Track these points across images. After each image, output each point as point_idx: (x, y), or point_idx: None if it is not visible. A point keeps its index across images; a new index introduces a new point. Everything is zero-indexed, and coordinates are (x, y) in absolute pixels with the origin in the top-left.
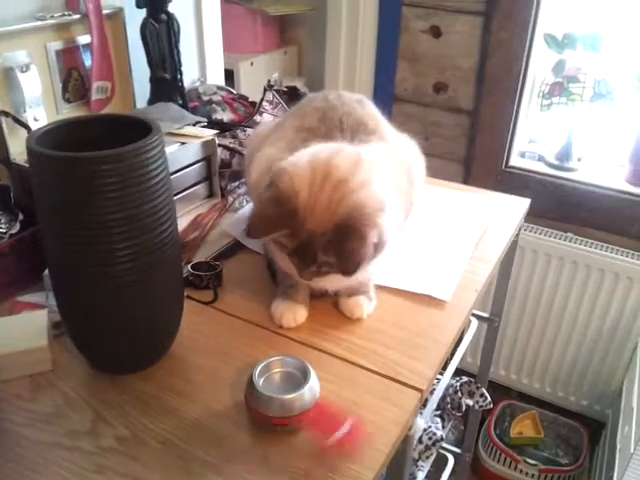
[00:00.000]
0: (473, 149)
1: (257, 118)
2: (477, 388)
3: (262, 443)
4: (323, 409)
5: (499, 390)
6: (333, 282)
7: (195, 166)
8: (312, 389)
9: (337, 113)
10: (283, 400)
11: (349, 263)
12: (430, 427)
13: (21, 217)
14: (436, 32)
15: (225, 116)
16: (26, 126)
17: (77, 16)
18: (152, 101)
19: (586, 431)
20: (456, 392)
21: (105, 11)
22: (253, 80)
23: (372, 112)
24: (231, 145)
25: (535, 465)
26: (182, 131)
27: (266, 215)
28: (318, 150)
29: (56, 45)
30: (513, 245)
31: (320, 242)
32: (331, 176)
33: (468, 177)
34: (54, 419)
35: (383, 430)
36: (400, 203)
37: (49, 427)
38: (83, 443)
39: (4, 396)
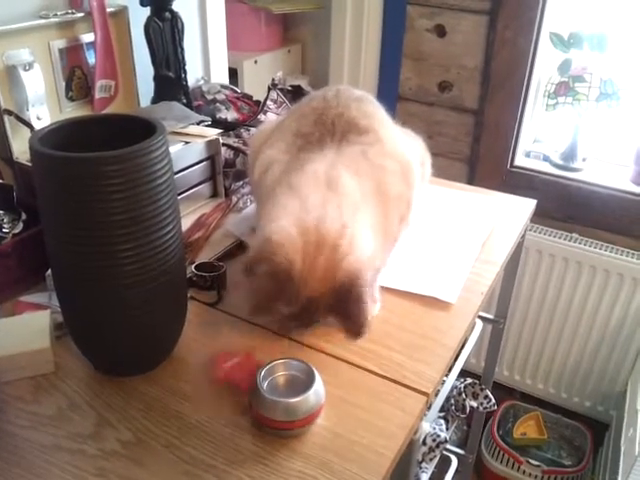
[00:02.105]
0: (478, 148)
1: (261, 117)
2: (481, 390)
3: (267, 447)
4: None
5: (502, 391)
6: None
7: (199, 165)
8: (317, 393)
9: (331, 114)
10: (288, 404)
11: (357, 325)
12: (434, 429)
13: (24, 217)
14: (441, 31)
15: (229, 115)
16: (29, 125)
17: (81, 14)
18: (156, 100)
19: (590, 432)
20: (460, 394)
21: (109, 9)
22: (257, 79)
23: (369, 110)
24: (235, 144)
25: (538, 466)
26: (186, 130)
27: (267, 291)
28: (299, 213)
29: (59, 43)
30: (519, 246)
31: (320, 304)
32: (322, 245)
33: (473, 176)
34: (56, 422)
35: (388, 434)
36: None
37: (51, 430)
38: (86, 446)
39: (6, 398)
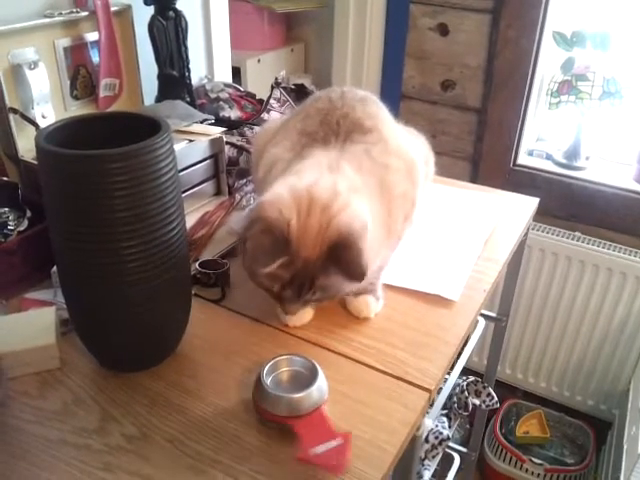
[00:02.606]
0: (481, 147)
1: (264, 116)
2: (484, 387)
3: (270, 442)
4: (320, 417)
5: (505, 389)
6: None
7: (203, 164)
8: (320, 388)
9: (336, 114)
10: (291, 399)
11: (355, 269)
12: (436, 426)
13: (29, 214)
14: (444, 30)
15: (232, 114)
16: (34, 123)
17: (85, 13)
18: (159, 98)
19: (592, 431)
20: (463, 391)
21: (113, 8)
22: (260, 77)
23: (372, 111)
24: (238, 143)
25: (541, 465)
26: (190, 129)
27: (262, 248)
28: (294, 182)
29: (64, 42)
30: (521, 245)
31: (317, 267)
32: (315, 203)
33: (476, 175)
34: (62, 417)
35: (391, 430)
36: (382, 227)
37: (57, 425)
38: (91, 441)
39: (12, 394)
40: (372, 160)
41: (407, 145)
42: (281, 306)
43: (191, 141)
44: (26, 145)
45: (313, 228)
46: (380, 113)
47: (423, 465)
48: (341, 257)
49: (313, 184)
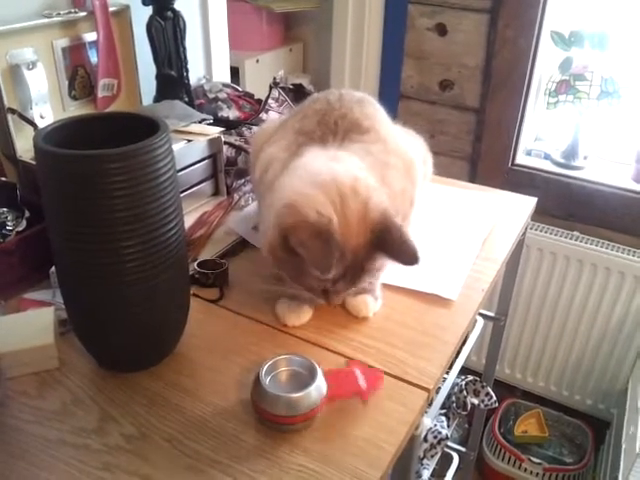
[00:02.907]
0: (479, 147)
1: (263, 116)
2: (482, 387)
3: (269, 442)
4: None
5: (504, 389)
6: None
7: (201, 164)
8: (319, 388)
9: (334, 115)
10: (290, 399)
11: (408, 252)
12: (435, 426)
13: (27, 214)
14: (442, 30)
15: (231, 114)
16: (32, 123)
17: (83, 13)
18: (158, 98)
19: (591, 430)
20: (461, 391)
21: (111, 8)
22: (258, 77)
23: (370, 112)
24: (237, 143)
25: (539, 464)
26: (188, 129)
27: (317, 254)
28: (312, 176)
29: (62, 42)
30: (519, 244)
31: (364, 254)
32: (344, 193)
33: (474, 175)
34: (61, 417)
35: (390, 430)
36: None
37: (56, 425)
38: (90, 441)
39: (11, 393)
40: (372, 158)
41: (405, 145)
42: (325, 298)
43: (189, 141)
44: (24, 145)
45: (353, 218)
46: (377, 114)
47: (422, 464)
48: (387, 240)
49: (332, 174)
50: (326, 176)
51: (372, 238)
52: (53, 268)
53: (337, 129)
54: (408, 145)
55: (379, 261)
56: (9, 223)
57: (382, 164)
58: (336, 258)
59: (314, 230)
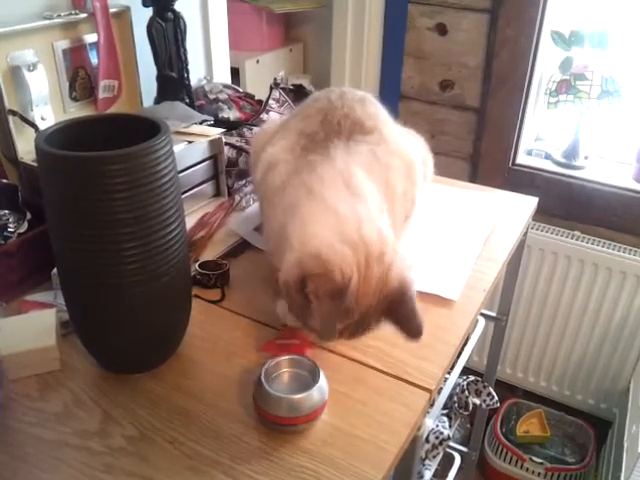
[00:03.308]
0: (480, 147)
1: (264, 116)
2: (484, 387)
3: (271, 443)
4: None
5: (505, 388)
6: None
7: (202, 165)
8: (321, 389)
9: (336, 115)
10: (292, 400)
11: (416, 325)
12: (437, 426)
13: (29, 216)
14: (442, 30)
15: (231, 114)
16: (33, 125)
17: (84, 15)
18: (159, 99)
19: (593, 430)
20: (463, 391)
21: (112, 10)
22: (259, 78)
23: (372, 111)
24: (238, 144)
25: (541, 464)
26: (189, 130)
27: (333, 311)
28: (337, 218)
29: (63, 44)
30: (521, 244)
31: (373, 316)
32: (371, 255)
33: (475, 175)
34: (63, 419)
35: (392, 430)
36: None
37: (58, 426)
38: (92, 443)
39: (13, 395)
40: (378, 161)
41: (406, 145)
42: (320, 338)
43: (190, 142)
44: (25, 147)
45: (372, 280)
46: (379, 113)
47: (424, 465)
48: (398, 310)
49: (359, 229)
50: (354, 231)
51: (385, 304)
52: (55, 270)
53: (340, 129)
54: (409, 146)
55: (383, 324)
56: (10, 225)
57: (386, 167)
58: (343, 322)
59: (333, 289)
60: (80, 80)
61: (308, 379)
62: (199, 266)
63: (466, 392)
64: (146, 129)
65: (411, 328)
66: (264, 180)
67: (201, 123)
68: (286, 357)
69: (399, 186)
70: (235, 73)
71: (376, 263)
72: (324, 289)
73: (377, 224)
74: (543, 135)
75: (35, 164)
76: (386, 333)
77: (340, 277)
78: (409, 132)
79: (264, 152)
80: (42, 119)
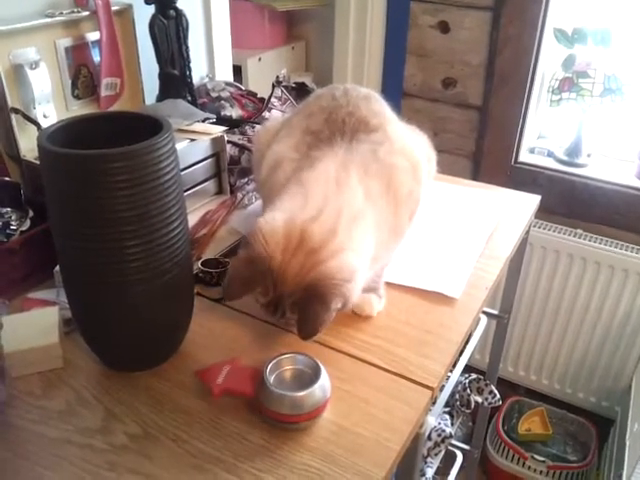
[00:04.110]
0: (482, 145)
1: (266, 114)
2: (486, 385)
3: (274, 441)
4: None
5: (507, 386)
6: None
7: (204, 163)
8: (323, 387)
9: (341, 113)
10: (294, 398)
11: (308, 326)
12: (439, 424)
13: (31, 214)
14: (445, 27)
15: (234, 112)
16: (36, 123)
17: (86, 13)
18: (161, 97)
19: (595, 428)
20: (465, 389)
21: (114, 7)
22: (261, 76)
23: (377, 109)
24: (240, 142)
25: (543, 462)
26: (191, 128)
27: (241, 277)
28: (296, 208)
29: (65, 42)
30: (523, 242)
31: (288, 302)
32: (304, 244)
33: (477, 172)
34: (66, 416)
35: (394, 428)
36: (388, 229)
37: (61, 424)
38: (95, 440)
39: (16, 393)
40: (379, 161)
41: (411, 144)
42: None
43: (193, 140)
44: (28, 145)
45: (294, 269)
46: (384, 111)
47: (426, 463)
48: (307, 305)
49: (313, 218)
50: (304, 218)
51: (301, 294)
52: (57, 267)
53: (345, 128)
54: (414, 144)
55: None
56: (13, 223)
57: (389, 168)
58: (250, 288)
59: (250, 258)
60: (82, 78)
61: (310, 377)
62: (201, 264)
63: (468, 390)
64: (148, 127)
65: (303, 328)
66: (270, 178)
67: (203, 121)
68: (288, 355)
69: (404, 186)
70: (237, 71)
71: (305, 254)
72: (242, 257)
73: (336, 227)
74: (546, 133)
75: (38, 162)
76: (388, 332)
77: (261, 250)
78: (413, 129)
79: (269, 150)
80: (44, 117)
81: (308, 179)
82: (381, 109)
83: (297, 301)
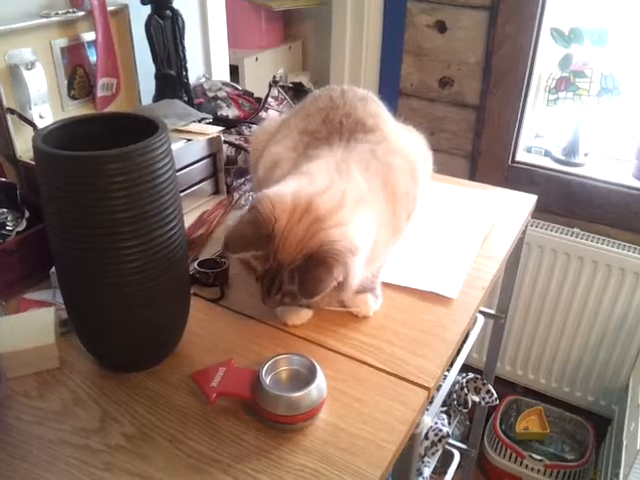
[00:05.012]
0: (479, 144)
1: (262, 114)
2: (483, 384)
3: (269, 441)
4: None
5: (505, 385)
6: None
7: (201, 163)
8: (319, 387)
9: (338, 114)
10: (290, 398)
11: (309, 286)
12: (436, 423)
13: (27, 215)
14: (441, 27)
15: (230, 112)
16: (32, 123)
17: (82, 13)
18: (157, 98)
19: (592, 427)
20: (462, 388)
21: (110, 8)
22: (258, 76)
23: (373, 110)
24: (237, 142)
25: (541, 460)
26: (187, 128)
27: (244, 234)
28: (304, 184)
29: (61, 42)
30: (520, 242)
31: (287, 271)
32: (310, 213)
33: (474, 172)
34: (62, 417)
35: (390, 428)
36: (387, 228)
37: (57, 425)
38: (91, 441)
39: (12, 394)
40: (377, 160)
41: (408, 144)
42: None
43: (189, 140)
44: (24, 146)
45: (297, 235)
46: (381, 112)
47: (423, 462)
48: (309, 267)
49: (321, 192)
50: (312, 191)
51: (301, 262)
52: (53, 268)
53: (342, 129)
54: (411, 144)
55: (294, 287)
56: (9, 223)
57: (387, 167)
58: (251, 247)
59: (255, 218)
60: (78, 78)
61: (306, 377)
62: (198, 264)
63: (465, 389)
64: (144, 128)
65: (303, 288)
66: (267, 178)
67: (200, 121)
68: (284, 355)
69: (401, 186)
70: (234, 71)
71: (310, 221)
72: (249, 216)
73: (343, 201)
74: (543, 132)
75: (33, 163)
76: (385, 332)
77: (266, 212)
78: (410, 130)
79: (267, 151)
80: (40, 117)
81: (310, 169)
82: (378, 110)
83: (298, 268)
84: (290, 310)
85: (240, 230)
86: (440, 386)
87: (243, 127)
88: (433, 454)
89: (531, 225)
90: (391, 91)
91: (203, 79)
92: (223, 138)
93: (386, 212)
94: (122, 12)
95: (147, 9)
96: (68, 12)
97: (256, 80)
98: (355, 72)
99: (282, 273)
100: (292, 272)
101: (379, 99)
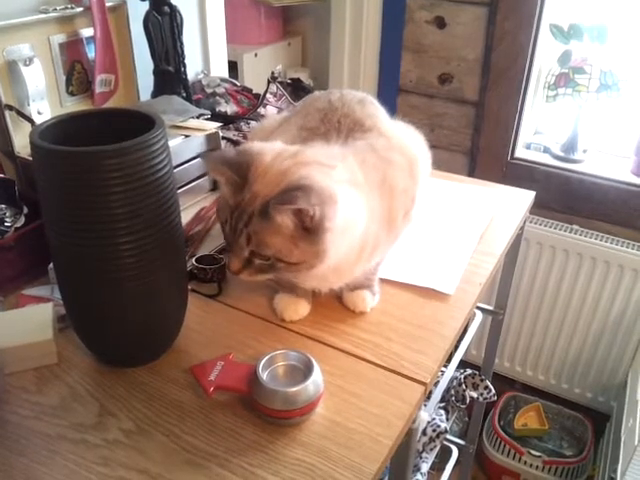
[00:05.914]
0: (478, 140)
1: (261, 110)
2: (481, 380)
3: (266, 436)
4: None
5: (503, 382)
6: (335, 281)
7: (199, 159)
8: (316, 383)
9: (336, 114)
10: (287, 393)
11: (284, 196)
12: (434, 419)
13: (26, 210)
14: (441, 23)
15: (229, 108)
16: (30, 119)
17: (80, 9)
18: (156, 93)
19: (590, 423)
20: (460, 384)
21: (108, 4)
22: (257, 72)
23: (371, 111)
24: (235, 138)
25: (539, 457)
26: (186, 124)
27: (226, 154)
28: (300, 147)
29: (59, 38)
30: (518, 238)
31: (259, 205)
32: (297, 157)
33: (473, 168)
34: (60, 412)
35: (387, 423)
36: (383, 223)
37: (55, 420)
38: (88, 436)
39: (10, 389)
40: (376, 155)
41: (408, 142)
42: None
43: (187, 136)
44: (22, 142)
45: (279, 169)
46: (378, 113)
47: (421, 457)
48: (284, 192)
49: (315, 152)
50: (306, 150)
51: (276, 195)
52: (51, 264)
53: (340, 127)
54: (411, 142)
55: (265, 230)
56: (8, 219)
57: (385, 163)
58: (231, 166)
59: (247, 146)
60: (77, 74)
61: (303, 372)
62: (196, 260)
63: (463, 385)
64: (141, 123)
65: (276, 197)
66: None
67: (198, 117)
68: (281, 351)
69: (400, 183)
70: (233, 67)
71: (294, 163)
72: (242, 147)
73: (333, 166)
74: (542, 129)
75: (31, 159)
76: (382, 327)
77: (254, 145)
78: (408, 127)
79: None
80: (39, 113)
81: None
82: (376, 112)
83: (272, 198)
84: (288, 306)
85: (223, 151)
86: (438, 382)
87: (241, 123)
88: (431, 450)
89: (530, 221)
90: (390, 87)
91: (201, 75)
92: (221, 134)
93: (382, 207)
94: (120, 8)
95: (145, 5)
96: (66, 8)
97: (255, 76)
98: (354, 68)
99: (253, 208)
100: (264, 206)
101: (378, 96)
